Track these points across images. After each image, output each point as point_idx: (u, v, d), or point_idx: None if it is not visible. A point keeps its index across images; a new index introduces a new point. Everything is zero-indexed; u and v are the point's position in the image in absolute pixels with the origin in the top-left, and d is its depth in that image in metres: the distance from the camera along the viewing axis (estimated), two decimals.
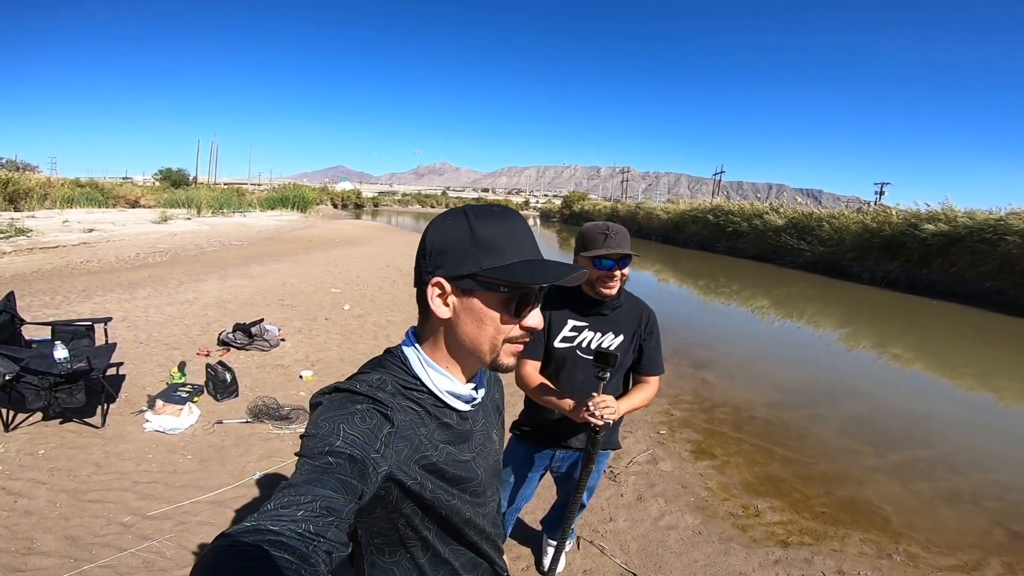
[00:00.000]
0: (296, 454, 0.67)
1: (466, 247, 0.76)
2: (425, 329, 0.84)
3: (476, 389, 0.88)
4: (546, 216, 64.50)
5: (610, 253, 1.72)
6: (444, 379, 0.82)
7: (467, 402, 0.86)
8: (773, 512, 3.09)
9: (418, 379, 0.82)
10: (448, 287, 0.78)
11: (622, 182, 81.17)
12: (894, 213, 17.61)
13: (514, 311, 0.78)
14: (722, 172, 59.24)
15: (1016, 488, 3.61)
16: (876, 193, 34.13)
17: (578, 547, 2.62)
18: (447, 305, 0.79)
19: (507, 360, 0.82)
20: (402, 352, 0.84)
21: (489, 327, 0.79)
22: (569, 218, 51.49)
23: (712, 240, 24.95)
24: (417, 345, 0.84)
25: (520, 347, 0.82)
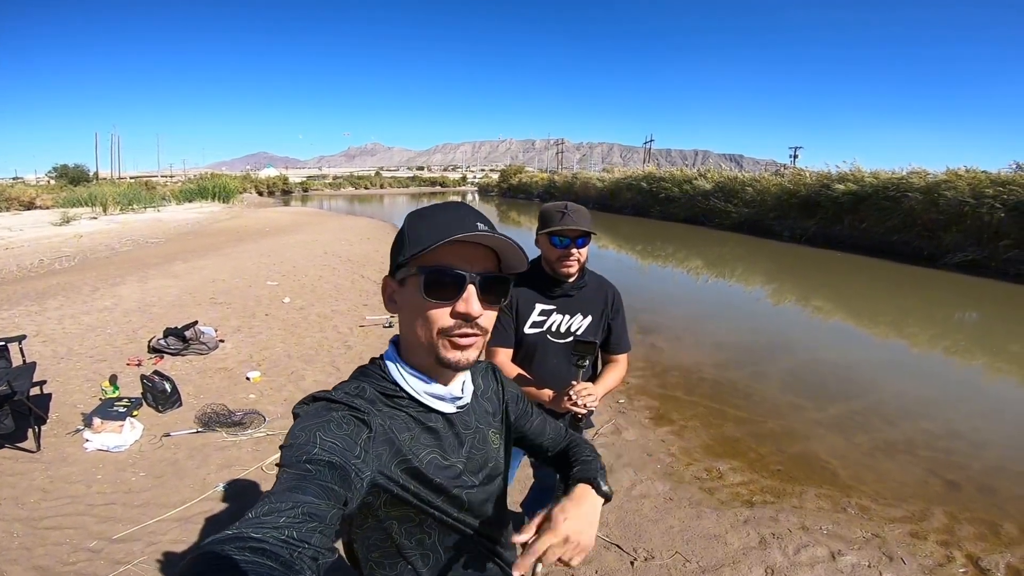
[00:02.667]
0: (276, 465, 0.69)
1: (401, 242, 0.80)
2: (399, 333, 0.86)
3: (460, 389, 0.86)
4: (484, 191, 64.09)
5: (565, 230, 1.72)
6: (420, 382, 0.82)
7: (451, 403, 0.85)
8: (734, 473, 3.27)
9: (397, 384, 0.82)
10: (392, 284, 0.83)
11: (557, 153, 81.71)
12: (808, 175, 18.79)
13: (426, 291, 0.75)
14: (652, 140, 60.90)
15: (942, 435, 3.95)
16: (791, 157, 36.13)
17: None
18: (394, 302, 0.83)
19: (449, 355, 0.78)
20: (382, 359, 0.86)
21: (418, 316, 0.78)
22: (507, 191, 51.38)
23: (646, 206, 25.71)
24: (396, 352, 0.85)
25: (462, 340, 0.78)
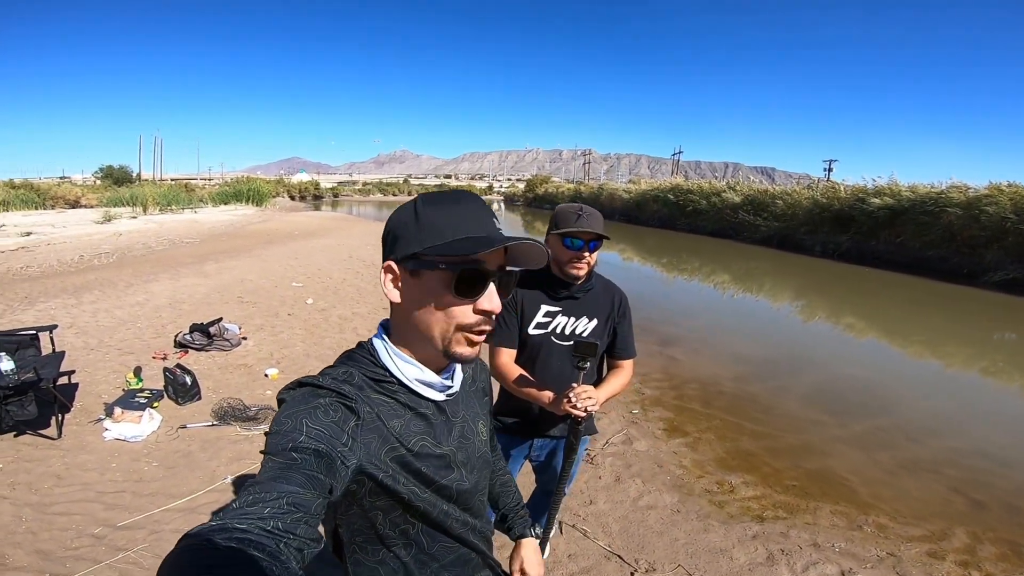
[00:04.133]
0: (261, 452, 0.65)
1: (411, 229, 0.77)
2: (392, 319, 0.84)
3: (451, 377, 0.86)
4: (510, 200, 64.43)
5: (579, 231, 1.70)
6: (413, 368, 0.81)
7: (441, 391, 0.84)
8: (747, 487, 3.18)
9: (387, 370, 0.80)
10: (397, 270, 0.78)
11: (584, 164, 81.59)
12: (842, 188, 18.36)
13: (457, 290, 0.75)
14: (680, 152, 60.39)
15: (970, 454, 3.80)
16: (825, 170, 35.45)
17: (561, 532, 2.64)
18: (397, 288, 0.79)
19: (460, 349, 0.78)
20: (371, 344, 0.83)
21: (435, 310, 0.77)
22: (533, 201, 51.53)
23: (673, 218, 25.45)
24: (385, 336, 0.83)
25: (477, 336, 0.78)
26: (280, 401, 0.72)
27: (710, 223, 22.82)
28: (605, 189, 36.80)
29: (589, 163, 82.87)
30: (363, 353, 0.82)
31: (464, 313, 0.76)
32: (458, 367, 0.88)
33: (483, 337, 0.79)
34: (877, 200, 15.83)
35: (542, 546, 1.98)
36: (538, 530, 0.90)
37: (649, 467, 3.34)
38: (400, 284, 0.79)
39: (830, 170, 35.51)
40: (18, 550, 2.34)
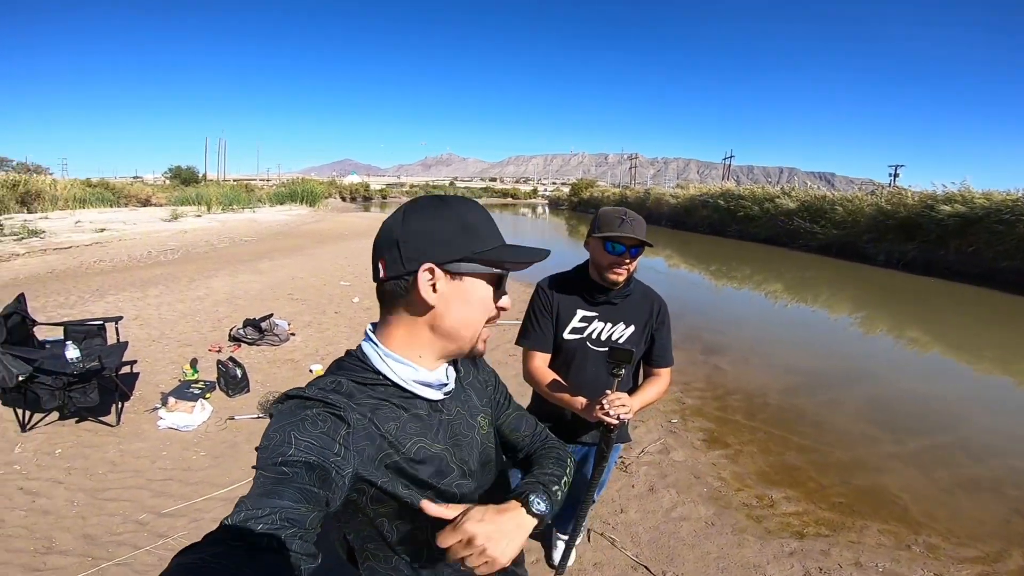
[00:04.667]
0: (253, 467, 0.65)
1: (455, 232, 0.79)
2: (387, 322, 0.83)
3: (445, 375, 0.87)
4: (555, 204, 64.20)
5: (622, 237, 1.66)
6: (408, 369, 0.81)
7: (438, 389, 0.85)
8: (788, 502, 3.04)
9: (380, 373, 0.81)
10: (439, 273, 0.78)
11: (630, 168, 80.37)
12: (909, 195, 17.30)
13: (496, 291, 0.83)
14: (732, 156, 58.60)
15: None
16: (890, 175, 33.66)
17: (588, 540, 2.60)
18: (435, 291, 0.79)
19: (481, 346, 0.86)
20: (360, 350, 0.84)
21: (477, 309, 0.82)
22: (578, 205, 51.16)
23: (723, 224, 24.67)
24: (376, 340, 0.83)
25: (489, 333, 0.86)
26: (269, 416, 0.72)
27: (762, 230, 21.97)
28: (652, 194, 36.07)
29: (635, 167, 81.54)
30: (352, 360, 0.83)
31: (491, 310, 0.84)
32: (449, 365, 0.90)
33: (490, 332, 0.87)
34: (947, 207, 14.81)
35: (567, 553, 1.95)
36: (540, 505, 0.85)
37: (685, 478, 3.24)
38: (437, 286, 0.79)
39: (896, 175, 33.70)
40: (67, 534, 2.45)
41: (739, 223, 23.65)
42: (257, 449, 0.67)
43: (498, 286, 0.83)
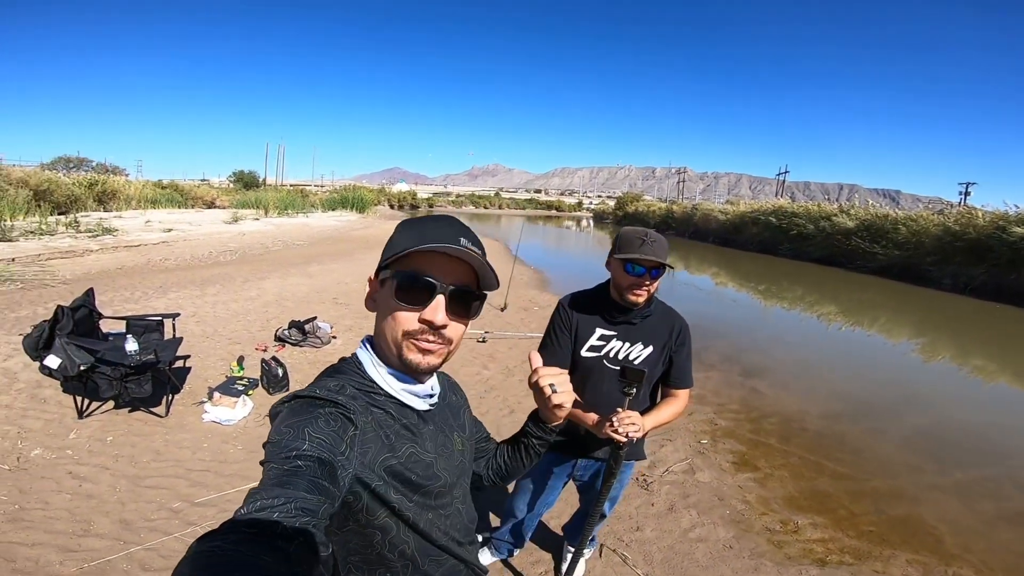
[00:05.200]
0: (261, 463, 0.67)
1: (395, 242, 0.84)
2: (374, 331, 0.88)
3: (432, 387, 0.90)
4: (599, 217, 63.63)
5: (642, 259, 1.66)
6: (396, 380, 0.85)
7: (424, 399, 0.88)
8: (814, 529, 2.94)
9: (374, 382, 0.84)
10: (374, 284, 0.86)
11: (678, 183, 78.80)
12: (980, 215, 16.23)
13: (397, 295, 0.80)
14: (786, 172, 56.61)
15: None
16: (961, 194, 31.65)
17: (600, 555, 2.59)
18: (373, 301, 0.87)
19: (412, 356, 0.82)
20: (356, 357, 0.87)
21: (388, 317, 0.82)
22: (623, 219, 50.50)
23: (774, 242, 23.81)
24: (370, 348, 0.87)
25: (425, 344, 0.81)
26: (274, 415, 0.74)
27: (817, 249, 21.08)
28: (699, 209, 35.08)
29: (683, 182, 79.83)
30: (349, 366, 0.86)
31: (409, 320, 0.80)
32: (435, 378, 0.92)
33: (435, 347, 0.82)
34: (1020, 229, 13.82)
35: (574, 564, 1.96)
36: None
37: (708, 499, 3.18)
38: (375, 296, 0.86)
39: (967, 194, 31.67)
40: (105, 518, 2.56)
41: (792, 241, 22.78)
42: (265, 445, 0.68)
43: (412, 290, 0.80)
